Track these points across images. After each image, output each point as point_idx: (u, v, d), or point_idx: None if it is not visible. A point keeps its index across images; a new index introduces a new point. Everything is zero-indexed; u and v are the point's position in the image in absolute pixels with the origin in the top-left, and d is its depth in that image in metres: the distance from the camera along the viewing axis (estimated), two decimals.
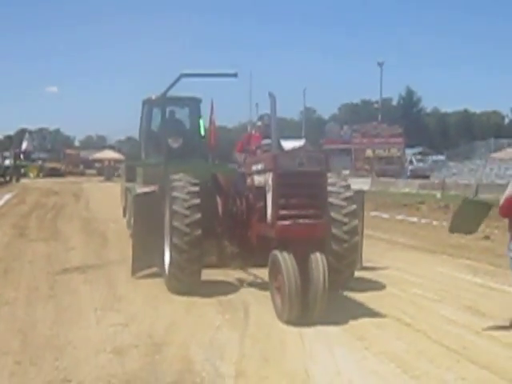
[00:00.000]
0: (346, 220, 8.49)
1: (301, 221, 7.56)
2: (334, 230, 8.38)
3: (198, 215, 8.64)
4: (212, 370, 5.77)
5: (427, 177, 46.72)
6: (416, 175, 50.28)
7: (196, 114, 15.36)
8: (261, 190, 8.31)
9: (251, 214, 8.96)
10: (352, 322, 7.37)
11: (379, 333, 7.01)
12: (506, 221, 7.41)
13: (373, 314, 7.93)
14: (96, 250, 13.53)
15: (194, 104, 15.40)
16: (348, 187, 8.93)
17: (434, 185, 35.72)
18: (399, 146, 58.15)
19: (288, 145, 12.58)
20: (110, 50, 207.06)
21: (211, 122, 14.31)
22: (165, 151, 11.34)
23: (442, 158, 61.41)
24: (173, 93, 11.10)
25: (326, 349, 6.38)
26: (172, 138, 13.65)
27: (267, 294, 8.20)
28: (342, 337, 6.81)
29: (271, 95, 8.68)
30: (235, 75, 10.34)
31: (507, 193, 7.14)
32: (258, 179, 8.56)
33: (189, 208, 8.66)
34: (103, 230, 17.12)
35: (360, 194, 10.31)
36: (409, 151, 66.95)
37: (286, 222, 7.58)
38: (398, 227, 19.14)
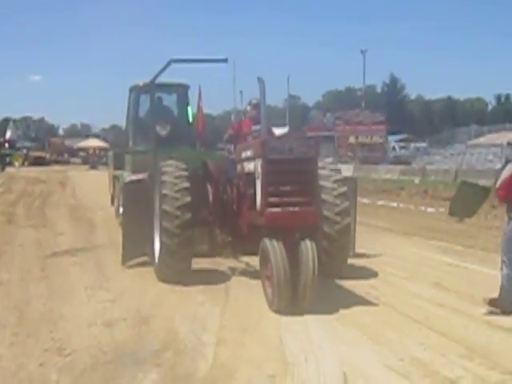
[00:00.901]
0: (337, 201, 8.51)
1: (290, 208, 7.42)
2: (326, 212, 8.38)
3: (188, 198, 8.60)
4: (195, 338, 6.29)
5: (409, 163, 47.34)
6: (398, 161, 50.95)
7: (184, 101, 15.32)
8: (251, 177, 8.14)
9: (241, 202, 8.88)
10: (325, 297, 7.69)
11: (350, 307, 7.46)
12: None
13: (345, 290, 8.46)
14: (84, 235, 13.93)
15: (181, 90, 15.34)
16: (338, 170, 8.93)
17: (414, 171, 36.24)
18: (381, 133, 58.73)
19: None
20: (94, 39, 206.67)
21: (199, 108, 14.51)
22: (153, 138, 11.09)
23: (424, 144, 62.03)
24: (160, 79, 10.82)
25: (300, 321, 6.91)
26: (160, 125, 13.41)
27: (249, 278, 8.76)
28: (315, 310, 7.25)
29: (260, 80, 8.69)
30: (225, 60, 10.16)
31: (505, 174, 7.19)
32: (247, 166, 8.40)
33: (179, 191, 8.62)
34: (90, 217, 17.51)
35: (353, 181, 10.27)
36: (392, 138, 67.57)
37: (276, 210, 7.43)
38: (378, 212, 19.66)
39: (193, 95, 15.41)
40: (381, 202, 22.65)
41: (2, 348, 6.05)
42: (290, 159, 7.49)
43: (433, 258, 11.08)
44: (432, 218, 17.70)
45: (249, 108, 10.45)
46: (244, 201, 8.71)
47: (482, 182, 28.17)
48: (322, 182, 8.42)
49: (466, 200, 7.91)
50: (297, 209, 7.43)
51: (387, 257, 10.81)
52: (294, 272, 7.17)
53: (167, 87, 14.90)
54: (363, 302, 7.84)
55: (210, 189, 9.73)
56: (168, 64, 9.92)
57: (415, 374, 5.29)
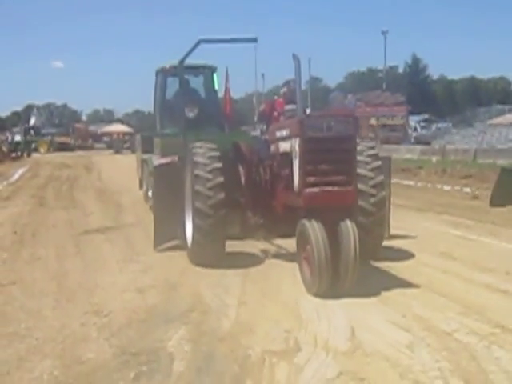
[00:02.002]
0: (373, 192, 8.30)
1: (329, 188, 7.22)
2: (361, 202, 8.16)
3: (221, 178, 8.46)
4: (218, 301, 6.97)
5: (429, 143, 47.55)
6: (419, 142, 51.23)
7: (211, 83, 15.17)
8: (286, 157, 8.00)
9: (276, 183, 8.76)
10: None
11: (363, 275, 7.80)
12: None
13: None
14: (112, 216, 14.57)
15: (208, 72, 15.20)
16: (376, 156, 8.63)
17: (434, 150, 36.55)
18: (402, 114, 58.75)
19: None
20: (115, 23, 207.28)
21: (226, 90, 14.43)
22: (181, 121, 10.97)
23: (445, 124, 62.05)
24: (186, 62, 10.58)
25: None
26: (187, 108, 13.07)
27: (279, 259, 9.08)
28: None
29: (295, 57, 8.35)
30: (255, 40, 10.03)
31: None
32: (283, 146, 8.23)
33: (211, 171, 8.49)
34: (117, 199, 18.20)
35: (386, 160, 9.63)
36: (414, 118, 67.63)
37: (314, 190, 7.24)
38: (396, 190, 19.85)
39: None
40: (399, 181, 23.09)
41: (46, 311, 6.75)
42: (329, 138, 7.28)
43: (443, 231, 11.62)
44: (448, 195, 18.18)
45: (284, 88, 10.29)
46: (278, 181, 8.60)
47: (501, 162, 28.75)
48: (358, 170, 7.98)
49: (508, 186, 7.90)
50: (336, 188, 7.23)
51: (399, 230, 11.07)
52: (335, 254, 6.96)
53: (194, 69, 14.71)
54: (373, 268, 8.43)
55: (241, 170, 9.66)
56: (197, 44, 9.77)
57: (415, 327, 5.92)
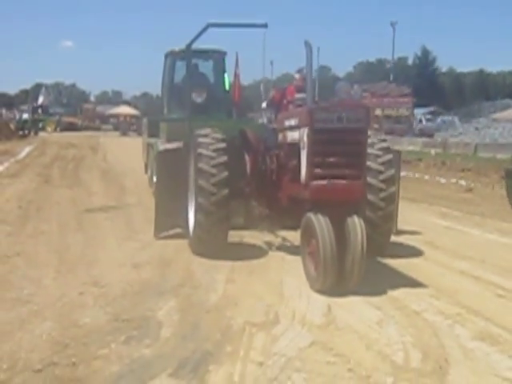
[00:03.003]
0: (383, 186, 8.03)
1: (338, 181, 6.94)
2: (370, 197, 7.91)
3: (225, 174, 8.17)
4: (209, 278, 7.43)
5: (432, 135, 47.93)
6: (424, 134, 51.66)
7: (220, 68, 14.94)
8: (294, 148, 7.69)
9: (282, 173, 8.46)
10: None
11: None
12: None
13: None
14: (115, 195, 15.12)
15: (218, 57, 14.96)
16: (387, 150, 8.34)
17: (436, 143, 37.00)
18: (408, 106, 58.98)
19: None
20: (126, 4, 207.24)
21: (236, 76, 14.29)
22: (188, 106, 10.55)
23: (449, 118, 62.32)
24: (196, 45, 10.36)
25: (300, 267, 7.98)
26: (196, 92, 13.01)
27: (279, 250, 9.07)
28: None
29: (307, 44, 8.05)
30: (265, 25, 9.76)
31: None
32: (291, 135, 7.90)
33: (215, 166, 8.17)
34: (121, 180, 18.76)
35: (396, 154, 9.28)
36: (420, 110, 67.93)
37: (322, 182, 6.97)
38: None
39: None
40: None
41: (47, 280, 7.23)
42: (339, 129, 6.96)
43: (432, 221, 12.06)
44: (443, 187, 18.61)
45: (297, 75, 10.05)
46: (285, 172, 8.31)
47: (500, 156, 29.07)
48: (368, 163, 7.75)
49: None
50: (344, 182, 6.94)
51: None
52: (341, 249, 6.72)
53: (204, 53, 14.52)
54: None
55: (247, 159, 9.33)
56: (205, 28, 9.57)
57: (388, 306, 6.41)
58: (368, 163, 7.70)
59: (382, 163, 8.13)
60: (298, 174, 7.45)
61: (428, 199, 15.39)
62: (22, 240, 9.46)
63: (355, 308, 6.35)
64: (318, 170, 7.02)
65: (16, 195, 14.61)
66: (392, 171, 8.17)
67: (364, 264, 6.76)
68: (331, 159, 6.99)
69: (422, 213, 13.22)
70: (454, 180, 19.86)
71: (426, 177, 21.52)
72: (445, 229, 11.24)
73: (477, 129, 47.03)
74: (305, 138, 7.19)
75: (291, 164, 7.92)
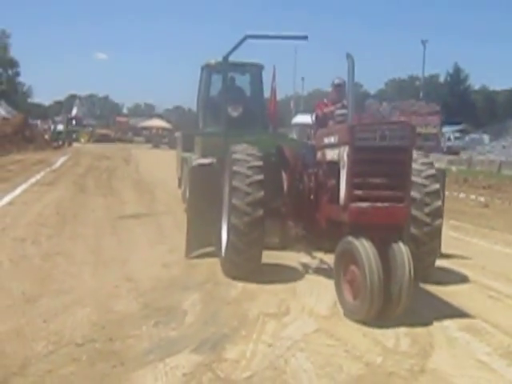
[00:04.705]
0: (428, 200, 7.66)
1: (379, 204, 6.56)
2: (414, 212, 7.49)
3: (261, 193, 7.79)
4: (230, 277, 8.24)
5: (457, 153, 48.45)
6: (452, 152, 52.19)
7: (258, 82, 14.49)
8: (333, 167, 7.28)
9: (320, 193, 7.97)
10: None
11: None
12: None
13: None
14: (146, 204, 16.01)
15: (255, 70, 14.48)
16: (431, 164, 8.03)
17: (461, 161, 37.57)
18: (436, 123, 59.49)
19: (302, 119, 12.44)
20: (160, 18, 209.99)
21: (272, 90, 13.87)
22: (224, 120, 10.00)
23: (477, 136, 62.70)
24: (233, 59, 10.03)
25: (313, 271, 8.74)
26: (232, 107, 12.52)
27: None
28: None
29: (349, 56, 7.78)
30: (305, 38, 9.30)
31: None
32: (330, 154, 7.48)
33: (251, 185, 7.79)
34: (152, 190, 19.69)
35: (441, 173, 8.97)
36: (450, 128, 68.39)
37: (362, 205, 6.59)
38: None
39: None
40: None
41: (85, 275, 8.12)
42: (382, 148, 6.58)
43: (443, 233, 12.69)
44: (462, 203, 19.23)
45: (331, 89, 9.90)
46: (323, 192, 7.83)
47: None
48: (412, 177, 7.14)
49: None
50: (386, 205, 6.57)
51: None
52: (385, 277, 6.27)
53: (240, 67, 14.03)
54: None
55: (284, 177, 9.02)
56: (243, 40, 9.22)
57: None
58: (412, 193, 7.28)
59: (426, 177, 7.77)
60: (336, 194, 7.10)
61: (446, 213, 15.87)
62: (61, 241, 10.36)
63: None
64: (358, 192, 6.65)
65: (53, 202, 15.60)
66: (437, 185, 7.82)
67: (411, 292, 6.38)
68: (373, 180, 6.63)
69: None
70: (473, 196, 20.48)
71: (447, 193, 22.09)
72: (453, 239, 11.82)
73: (504, 147, 47.40)
74: (345, 157, 6.83)
75: (330, 184, 7.50)
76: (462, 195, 20.87)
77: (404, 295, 6.28)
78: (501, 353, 5.72)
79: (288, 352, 5.49)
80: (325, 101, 10.21)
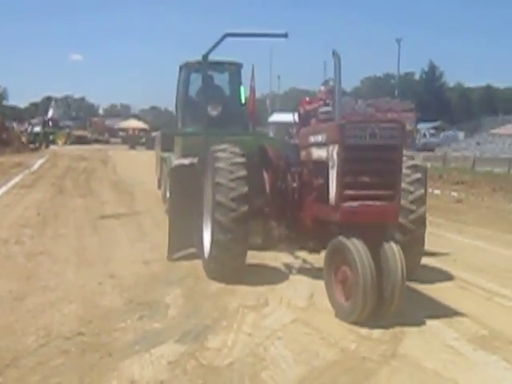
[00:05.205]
0: (412, 207, 7.62)
1: (371, 203, 6.47)
2: (400, 219, 7.20)
3: (245, 188, 7.71)
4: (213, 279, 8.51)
5: (432, 150, 49.02)
6: (426, 148, 52.75)
7: (236, 80, 14.37)
8: (320, 166, 7.16)
9: (305, 193, 7.83)
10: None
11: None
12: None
13: None
14: (126, 204, 16.25)
15: (234, 69, 14.33)
16: (416, 167, 7.89)
17: (436, 157, 38.07)
18: (411, 121, 59.97)
19: (278, 118, 11.96)
20: (134, 18, 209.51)
21: (251, 89, 13.81)
22: (203, 119, 9.72)
23: (452, 132, 63.45)
24: (211, 57, 9.65)
25: (290, 266, 9.04)
26: (211, 106, 12.14)
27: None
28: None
29: (335, 54, 7.71)
30: (285, 35, 9.12)
31: None
32: (317, 153, 7.32)
33: (234, 180, 7.71)
34: (130, 190, 19.87)
35: (423, 169, 8.48)
36: (426, 125, 69.13)
37: (354, 204, 6.47)
38: None
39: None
40: None
41: (69, 273, 8.37)
42: (372, 146, 6.46)
43: None
44: (436, 198, 19.54)
45: (322, 88, 9.80)
46: (309, 192, 7.68)
47: (497, 170, 30.01)
48: None
49: None
50: (378, 203, 6.50)
51: None
52: (378, 277, 6.22)
53: (219, 65, 13.84)
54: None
55: (267, 177, 8.93)
56: (222, 38, 9.02)
57: None
58: None
59: (411, 182, 7.69)
60: (324, 194, 6.97)
61: None
62: (43, 241, 10.59)
63: None
64: (349, 191, 6.52)
65: (33, 203, 15.78)
66: (422, 191, 7.79)
67: (404, 292, 6.36)
68: (364, 179, 6.52)
69: None
70: (447, 192, 20.91)
71: None
72: (426, 233, 12.19)
73: (478, 143, 47.99)
74: (334, 156, 6.65)
75: (316, 183, 7.34)
76: (436, 191, 21.25)
77: (397, 295, 6.25)
78: (468, 338, 6.06)
79: (267, 340, 5.78)
80: (307, 99, 10.21)
